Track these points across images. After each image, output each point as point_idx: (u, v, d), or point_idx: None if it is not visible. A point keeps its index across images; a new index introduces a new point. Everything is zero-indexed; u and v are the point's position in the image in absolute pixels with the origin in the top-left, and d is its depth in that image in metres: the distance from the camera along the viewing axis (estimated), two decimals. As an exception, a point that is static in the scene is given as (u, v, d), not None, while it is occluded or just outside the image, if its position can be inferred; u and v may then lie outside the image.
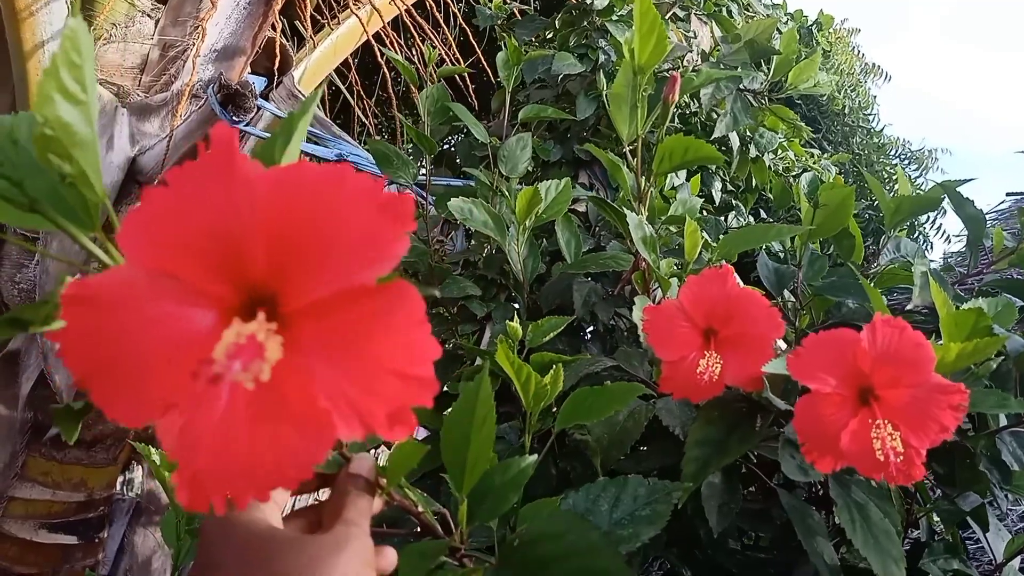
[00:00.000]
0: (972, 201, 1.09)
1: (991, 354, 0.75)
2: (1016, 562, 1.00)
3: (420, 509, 0.54)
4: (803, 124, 1.48)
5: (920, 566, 0.85)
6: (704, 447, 0.81)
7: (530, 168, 1.49)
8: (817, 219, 1.05)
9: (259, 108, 1.63)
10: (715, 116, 1.42)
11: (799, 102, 5.53)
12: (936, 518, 1.05)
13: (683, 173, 1.72)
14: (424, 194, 1.25)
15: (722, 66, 1.40)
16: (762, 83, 1.40)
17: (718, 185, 1.96)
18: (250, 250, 0.32)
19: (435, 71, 1.33)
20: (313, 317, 0.32)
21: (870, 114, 6.35)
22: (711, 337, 0.80)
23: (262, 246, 0.32)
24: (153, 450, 0.83)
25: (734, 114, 1.34)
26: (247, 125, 1.65)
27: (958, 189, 1.13)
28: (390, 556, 0.45)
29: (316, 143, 1.65)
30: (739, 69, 1.35)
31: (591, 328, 1.27)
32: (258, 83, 1.72)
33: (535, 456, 0.60)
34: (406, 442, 0.48)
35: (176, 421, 0.31)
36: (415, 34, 2.26)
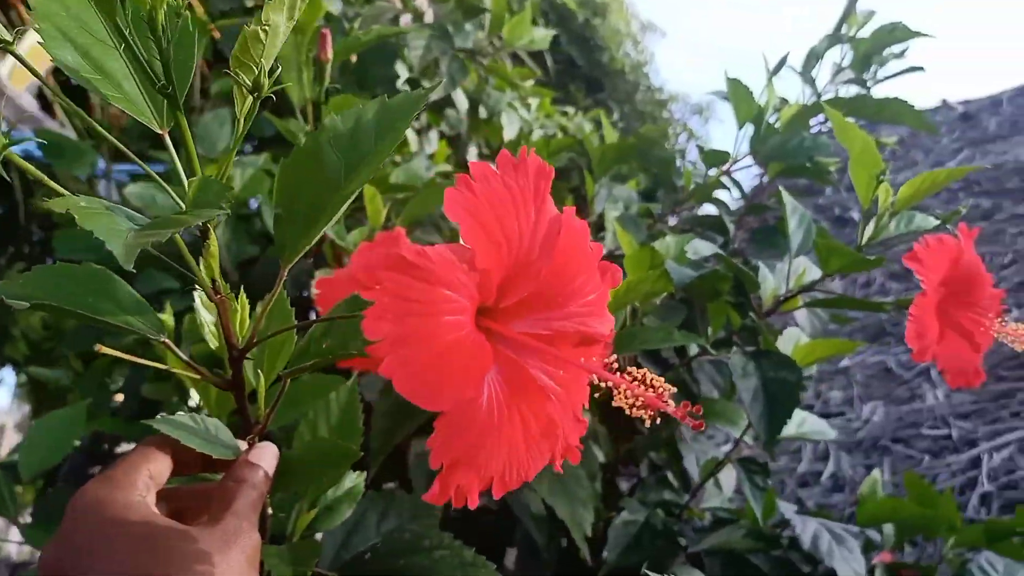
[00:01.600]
0: (663, 145, 1.13)
1: (643, 291, 0.77)
2: (729, 489, 1.06)
3: None
4: (520, 83, 1.48)
5: (620, 504, 0.87)
6: (387, 418, 0.78)
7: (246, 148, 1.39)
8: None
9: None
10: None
11: (581, 64, 5.72)
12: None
13: (434, 138, 1.68)
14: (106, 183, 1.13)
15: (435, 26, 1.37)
16: (475, 42, 1.38)
17: (474, 150, 1.95)
18: (538, 269, 0.37)
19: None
20: (545, 346, 0.38)
21: (649, 71, 6.69)
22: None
23: (546, 271, 0.37)
24: None
25: (450, 75, 1.32)
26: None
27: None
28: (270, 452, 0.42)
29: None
30: (451, 28, 1.32)
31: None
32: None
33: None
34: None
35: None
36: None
